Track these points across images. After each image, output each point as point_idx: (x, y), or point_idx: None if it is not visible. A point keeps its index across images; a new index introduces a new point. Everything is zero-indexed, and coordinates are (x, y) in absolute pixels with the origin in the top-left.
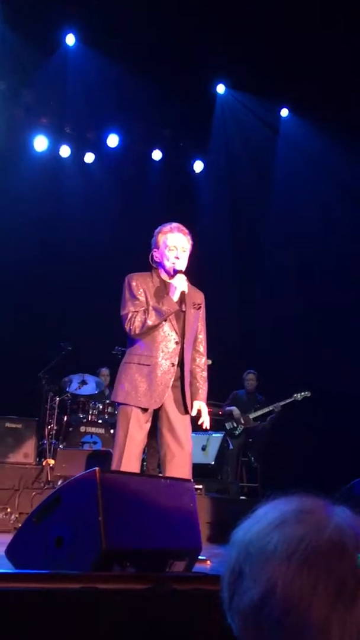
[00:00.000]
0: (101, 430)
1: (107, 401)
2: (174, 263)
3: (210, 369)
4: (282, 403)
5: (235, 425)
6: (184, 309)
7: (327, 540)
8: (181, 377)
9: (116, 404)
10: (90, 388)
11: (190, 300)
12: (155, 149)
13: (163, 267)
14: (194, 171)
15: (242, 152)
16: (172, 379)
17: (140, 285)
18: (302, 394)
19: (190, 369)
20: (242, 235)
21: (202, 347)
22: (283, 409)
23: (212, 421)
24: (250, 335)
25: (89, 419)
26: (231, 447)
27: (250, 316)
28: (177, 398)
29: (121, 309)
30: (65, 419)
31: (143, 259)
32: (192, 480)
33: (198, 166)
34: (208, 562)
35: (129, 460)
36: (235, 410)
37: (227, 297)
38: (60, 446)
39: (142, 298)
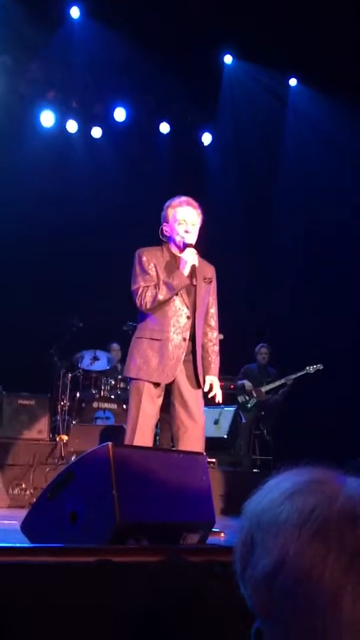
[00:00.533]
0: (114, 406)
1: (119, 377)
2: (183, 237)
3: (221, 343)
4: (294, 376)
5: (247, 398)
6: (194, 283)
7: (338, 510)
8: (193, 352)
9: (128, 379)
10: (102, 364)
11: (201, 274)
12: (162, 122)
13: (173, 241)
14: (202, 143)
15: (251, 124)
16: (184, 354)
17: (150, 260)
18: (315, 366)
19: (202, 343)
20: (251, 207)
21: (213, 321)
22: (295, 382)
23: (224, 395)
24: (261, 308)
25: (101, 394)
26: (244, 420)
27: (262, 289)
28: (189, 372)
29: (132, 283)
30: (77, 395)
31: (153, 233)
32: (205, 453)
33: (206, 138)
34: (222, 534)
35: (142, 434)
36: (247, 383)
37: (237, 270)
38: (73, 422)
39: (152, 272)
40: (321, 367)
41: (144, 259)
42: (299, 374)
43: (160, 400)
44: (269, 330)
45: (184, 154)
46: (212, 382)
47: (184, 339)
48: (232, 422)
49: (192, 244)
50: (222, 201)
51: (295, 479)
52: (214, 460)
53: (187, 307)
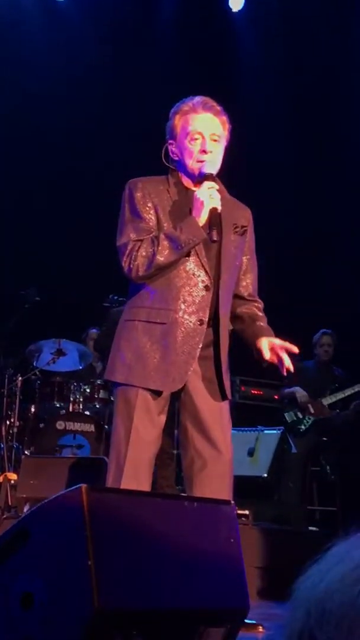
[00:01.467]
0: (89, 427)
1: (99, 381)
2: (200, 161)
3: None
4: None
5: (300, 416)
6: (215, 238)
7: None
8: (215, 342)
9: (112, 384)
10: (70, 361)
11: (230, 221)
12: None
13: (184, 168)
14: (230, 10)
15: None
16: (201, 345)
17: (148, 198)
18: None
19: (239, 315)
20: (306, 112)
21: (251, 289)
22: None
23: (265, 410)
24: (320, 274)
25: (71, 409)
26: (294, 450)
27: (319, 241)
28: (210, 375)
29: (118, 235)
30: (32, 409)
31: (151, 156)
32: (233, 502)
33: (236, 2)
34: (260, 628)
35: (135, 471)
36: (300, 392)
37: (284, 211)
38: (26, 452)
39: (150, 218)
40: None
41: (138, 195)
42: None
43: (163, 419)
44: (333, 307)
45: (201, 27)
46: (271, 342)
47: (201, 322)
48: (275, 452)
49: (212, 174)
50: (262, 102)
51: None
52: (247, 512)
53: (207, 272)
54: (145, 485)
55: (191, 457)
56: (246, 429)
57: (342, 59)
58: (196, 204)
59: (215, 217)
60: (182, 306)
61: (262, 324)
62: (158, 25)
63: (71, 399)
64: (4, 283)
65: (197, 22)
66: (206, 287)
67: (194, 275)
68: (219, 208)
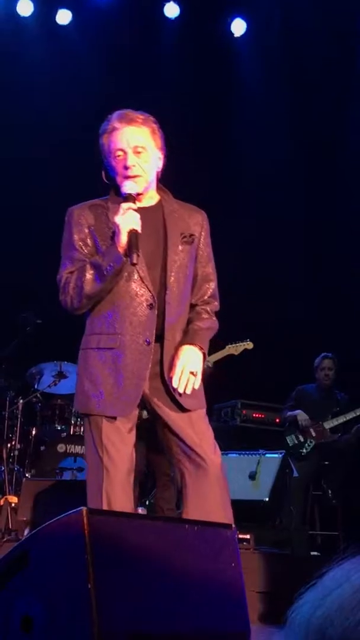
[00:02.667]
0: None
1: None
2: (126, 177)
3: (252, 353)
4: None
5: (302, 439)
6: (135, 261)
7: None
8: (160, 360)
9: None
10: (71, 383)
11: (177, 232)
12: (168, 1)
13: (117, 186)
14: (231, 35)
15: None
16: (150, 365)
17: (83, 224)
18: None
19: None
20: (308, 136)
21: (205, 297)
22: None
23: (266, 434)
24: (323, 295)
25: (71, 431)
26: (296, 474)
27: (326, 259)
28: (166, 389)
29: (59, 268)
30: (33, 432)
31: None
32: (234, 525)
33: (238, 27)
34: None
35: (115, 495)
36: (301, 415)
37: (291, 228)
38: (27, 475)
39: (86, 245)
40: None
41: (72, 224)
42: None
43: (133, 435)
44: (332, 327)
45: (202, 52)
46: (180, 354)
47: (147, 342)
48: (277, 476)
49: (132, 194)
50: (265, 130)
51: None
52: (248, 536)
53: (149, 290)
54: (128, 507)
55: (180, 470)
56: (247, 452)
57: (346, 90)
58: (115, 228)
59: (134, 239)
60: (129, 328)
61: (192, 326)
62: (162, 51)
63: (72, 421)
64: (4, 306)
65: (199, 47)
66: (150, 306)
67: (137, 295)
68: (138, 229)
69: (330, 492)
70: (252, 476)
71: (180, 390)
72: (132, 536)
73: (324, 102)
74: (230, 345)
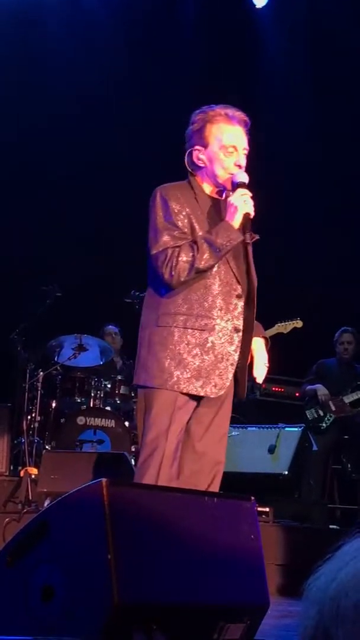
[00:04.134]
0: (110, 423)
1: (119, 377)
2: (234, 174)
3: (294, 333)
4: None
5: (321, 413)
6: (249, 240)
7: None
8: (243, 347)
9: (144, 388)
10: (91, 356)
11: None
12: None
13: (211, 176)
14: (253, 5)
15: None
16: (237, 353)
17: (182, 205)
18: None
19: None
20: (331, 111)
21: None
22: None
23: (286, 408)
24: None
25: (91, 404)
26: (315, 447)
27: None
28: (240, 378)
29: (152, 243)
30: (53, 404)
31: (172, 157)
32: (252, 498)
33: None
34: None
35: (170, 469)
36: (321, 389)
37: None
38: (47, 447)
39: (185, 225)
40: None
41: (173, 203)
42: None
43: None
44: (355, 305)
45: (224, 24)
46: (255, 347)
47: (236, 329)
48: (296, 450)
49: (245, 183)
50: (288, 109)
51: None
52: (267, 509)
53: (238, 281)
54: (174, 482)
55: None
56: (267, 426)
57: None
58: (230, 208)
59: (247, 222)
60: (219, 313)
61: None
62: (181, 23)
63: (92, 394)
64: (26, 279)
65: (221, 19)
66: (238, 296)
67: (228, 283)
68: (252, 213)
69: (349, 465)
70: (272, 450)
71: (260, 381)
72: (152, 508)
73: (348, 75)
74: (279, 324)
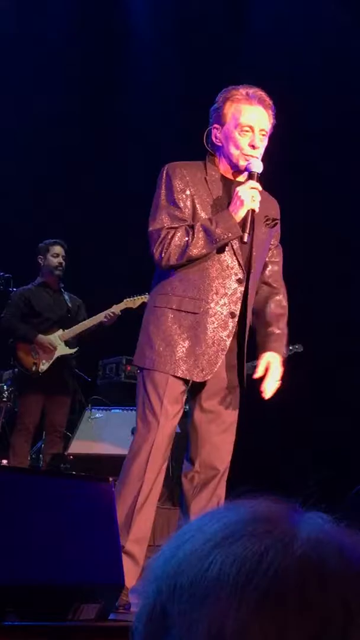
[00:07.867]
0: None
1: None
2: (247, 155)
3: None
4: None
5: None
6: (246, 240)
7: (297, 562)
8: (240, 333)
9: (140, 369)
10: None
11: (262, 213)
12: None
13: (227, 156)
14: None
15: None
16: (230, 338)
17: (188, 184)
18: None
19: (259, 307)
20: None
21: (276, 276)
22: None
23: None
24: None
25: None
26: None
27: None
28: (232, 363)
29: (150, 219)
30: None
31: (190, 132)
32: (110, 479)
33: None
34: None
35: (160, 455)
36: None
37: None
38: None
39: (186, 206)
40: (300, 349)
41: (176, 182)
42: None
43: (181, 407)
44: None
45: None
46: (270, 362)
47: (232, 315)
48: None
49: (258, 174)
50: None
51: (228, 518)
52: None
53: (240, 265)
54: (163, 470)
55: (195, 439)
56: (131, 408)
57: None
58: (235, 199)
59: (251, 218)
60: (215, 297)
61: (274, 329)
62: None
63: None
64: None
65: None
66: (239, 280)
67: (228, 267)
68: (257, 210)
69: None
70: (134, 431)
71: (266, 397)
72: (5, 489)
73: None
74: (128, 299)
